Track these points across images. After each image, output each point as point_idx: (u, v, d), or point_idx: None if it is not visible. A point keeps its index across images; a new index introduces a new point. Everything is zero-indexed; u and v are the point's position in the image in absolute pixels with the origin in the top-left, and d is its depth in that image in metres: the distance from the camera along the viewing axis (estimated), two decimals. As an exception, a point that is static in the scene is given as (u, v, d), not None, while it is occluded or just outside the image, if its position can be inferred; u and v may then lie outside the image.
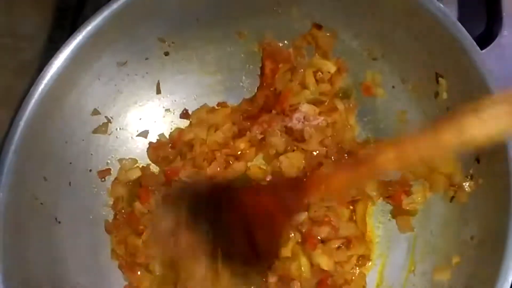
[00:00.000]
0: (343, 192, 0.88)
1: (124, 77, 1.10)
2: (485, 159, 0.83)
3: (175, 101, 1.17)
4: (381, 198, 1.03)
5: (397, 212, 1.00)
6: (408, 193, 0.98)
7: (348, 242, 0.97)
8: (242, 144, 1.07)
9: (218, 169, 1.06)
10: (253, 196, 0.82)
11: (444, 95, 0.91)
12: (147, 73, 1.12)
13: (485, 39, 1.02)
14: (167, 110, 1.17)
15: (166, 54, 1.12)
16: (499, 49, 1.11)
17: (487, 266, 0.77)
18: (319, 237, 0.96)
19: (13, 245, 0.91)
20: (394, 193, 1.00)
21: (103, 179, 1.11)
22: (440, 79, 0.90)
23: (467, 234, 0.85)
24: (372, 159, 0.69)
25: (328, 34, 1.05)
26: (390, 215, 1.02)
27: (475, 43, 0.82)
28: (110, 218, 1.10)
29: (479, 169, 0.85)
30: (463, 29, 0.83)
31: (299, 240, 0.97)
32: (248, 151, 1.07)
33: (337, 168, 0.77)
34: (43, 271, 0.95)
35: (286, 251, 0.95)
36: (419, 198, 0.97)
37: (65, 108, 1.02)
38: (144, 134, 1.16)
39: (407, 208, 0.98)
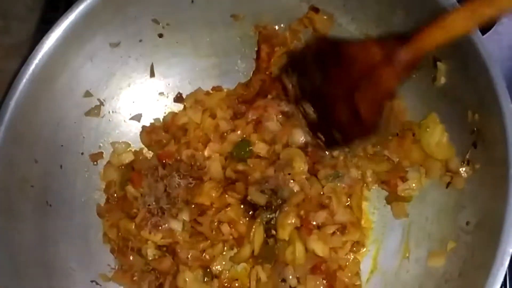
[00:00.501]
0: None
1: (117, 59, 1.08)
2: (482, 144, 0.83)
3: (169, 84, 1.16)
4: (376, 184, 1.02)
5: (392, 198, 1.00)
6: (404, 179, 0.97)
7: (343, 228, 0.96)
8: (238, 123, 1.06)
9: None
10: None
11: (442, 80, 0.90)
12: (140, 55, 1.11)
13: (484, 26, 1.00)
14: (161, 93, 1.16)
15: (160, 36, 1.10)
16: (498, 36, 1.10)
17: (482, 251, 0.77)
18: (315, 223, 0.95)
19: (2, 228, 0.90)
20: (389, 179, 0.99)
21: (95, 163, 1.09)
22: (438, 63, 0.89)
23: (463, 220, 0.85)
24: None
25: (325, 17, 1.04)
26: (385, 201, 1.01)
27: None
28: (102, 201, 1.09)
29: (476, 154, 0.85)
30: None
31: (298, 225, 0.97)
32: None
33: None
34: (33, 255, 0.94)
35: (283, 234, 0.94)
36: (415, 185, 0.96)
37: (56, 90, 1.00)
38: (137, 117, 1.14)
39: (402, 194, 0.98)
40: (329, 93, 0.86)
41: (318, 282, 0.93)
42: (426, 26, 0.74)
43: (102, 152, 1.10)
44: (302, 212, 0.95)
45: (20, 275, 0.90)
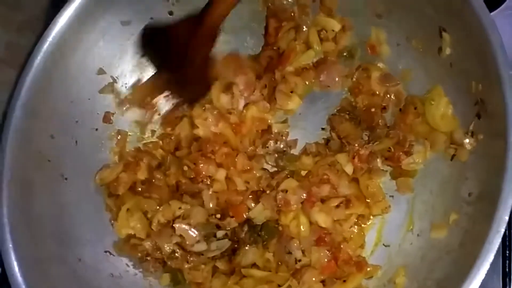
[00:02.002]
0: None
1: (129, 36, 1.11)
2: (485, 115, 0.82)
3: (179, 61, 1.17)
4: (380, 160, 1.01)
5: (397, 174, 0.99)
6: (408, 154, 0.97)
7: (347, 202, 0.97)
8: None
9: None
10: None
11: (448, 51, 0.89)
12: (152, 32, 1.13)
13: (492, 2, 0.98)
14: (172, 71, 1.18)
15: (170, 13, 1.11)
16: (509, 11, 1.07)
17: (482, 221, 0.76)
18: (319, 195, 0.96)
19: (20, 200, 0.94)
20: (393, 154, 0.98)
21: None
22: (443, 33, 0.88)
23: (465, 191, 0.84)
24: None
25: (333, -9, 1.03)
26: (390, 176, 1.01)
27: (480, -2, 0.79)
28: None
29: (480, 125, 0.84)
30: (469, -19, 0.80)
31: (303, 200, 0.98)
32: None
33: None
34: (49, 226, 0.98)
35: (286, 219, 0.97)
36: (419, 159, 0.95)
37: (70, 67, 1.03)
38: (150, 94, 1.17)
39: (407, 168, 0.97)
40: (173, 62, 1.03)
41: (322, 254, 0.94)
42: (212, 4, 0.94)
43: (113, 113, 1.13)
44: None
45: (37, 244, 0.93)
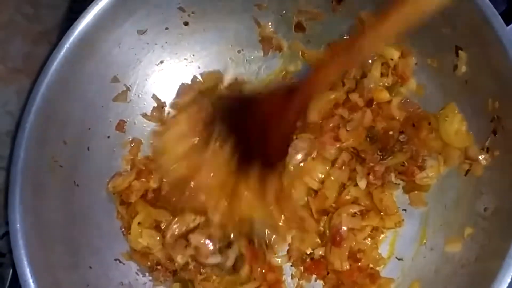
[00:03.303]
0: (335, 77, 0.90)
1: (144, 45, 1.11)
2: (502, 131, 0.83)
3: (192, 73, 1.18)
4: (393, 175, 1.02)
5: (410, 188, 1.00)
6: (421, 168, 0.98)
7: (364, 212, 0.98)
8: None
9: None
10: (262, 103, 0.88)
11: (463, 69, 0.90)
12: (166, 42, 1.14)
13: (507, 17, 1.01)
14: (185, 81, 1.18)
15: (186, 24, 1.12)
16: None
17: (499, 236, 0.78)
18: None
19: (32, 206, 0.94)
20: (406, 168, 0.99)
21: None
22: (460, 52, 0.90)
23: (481, 206, 0.85)
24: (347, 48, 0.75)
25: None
26: (403, 190, 1.02)
27: (498, 15, 0.81)
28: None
29: (496, 141, 0.85)
30: (487, 1, 0.83)
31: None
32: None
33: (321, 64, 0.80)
34: (60, 233, 0.97)
35: None
36: (432, 173, 0.97)
37: (85, 74, 1.04)
38: (162, 104, 1.16)
39: (420, 183, 0.98)
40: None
41: (342, 255, 0.94)
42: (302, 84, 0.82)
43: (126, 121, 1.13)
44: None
45: (48, 250, 0.93)
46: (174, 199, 0.98)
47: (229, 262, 0.99)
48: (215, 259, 1.00)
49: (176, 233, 1.01)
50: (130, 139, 1.13)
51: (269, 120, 0.84)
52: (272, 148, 0.86)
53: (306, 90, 0.81)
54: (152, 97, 1.16)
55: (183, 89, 1.15)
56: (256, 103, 0.87)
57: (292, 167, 1.01)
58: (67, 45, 0.99)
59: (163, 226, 1.03)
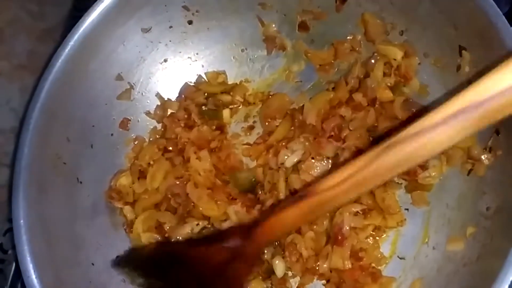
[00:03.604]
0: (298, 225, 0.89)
1: (148, 44, 1.12)
2: (504, 131, 0.83)
3: (196, 71, 1.18)
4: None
5: (412, 187, 1.00)
6: (424, 168, 0.98)
7: (366, 211, 0.98)
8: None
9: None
10: (208, 251, 0.84)
11: (467, 69, 0.90)
12: (170, 41, 1.14)
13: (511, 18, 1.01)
14: (189, 80, 1.18)
15: (190, 22, 1.13)
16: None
17: (501, 235, 0.78)
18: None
19: (35, 202, 0.94)
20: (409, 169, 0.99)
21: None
22: (463, 52, 0.90)
23: (483, 205, 0.85)
24: (317, 194, 0.69)
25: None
26: (405, 189, 1.02)
27: (502, 15, 0.81)
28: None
29: (498, 141, 0.85)
30: (491, 1, 0.83)
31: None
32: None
33: (283, 210, 0.74)
34: (63, 229, 0.97)
35: None
36: (435, 173, 0.96)
37: (89, 72, 1.04)
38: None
39: (423, 182, 0.98)
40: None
41: (343, 254, 0.94)
42: (264, 223, 0.77)
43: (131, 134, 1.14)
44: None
45: (50, 246, 0.93)
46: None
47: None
48: None
49: (180, 238, 1.01)
50: (134, 137, 1.14)
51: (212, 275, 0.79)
52: None
53: (259, 238, 0.76)
54: (155, 95, 1.16)
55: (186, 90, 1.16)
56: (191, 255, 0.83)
57: (289, 166, 1.01)
58: (71, 43, 0.99)
59: (166, 227, 1.03)
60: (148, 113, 1.15)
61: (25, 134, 0.95)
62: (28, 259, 0.88)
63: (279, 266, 0.97)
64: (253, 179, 1.07)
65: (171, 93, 1.17)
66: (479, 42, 0.86)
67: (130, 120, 1.13)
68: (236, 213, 1.02)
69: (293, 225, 0.78)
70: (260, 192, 1.05)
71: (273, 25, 1.14)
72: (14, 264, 1.10)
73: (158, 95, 1.16)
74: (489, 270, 0.75)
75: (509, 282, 0.71)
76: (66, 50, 0.99)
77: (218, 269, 0.81)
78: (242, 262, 0.80)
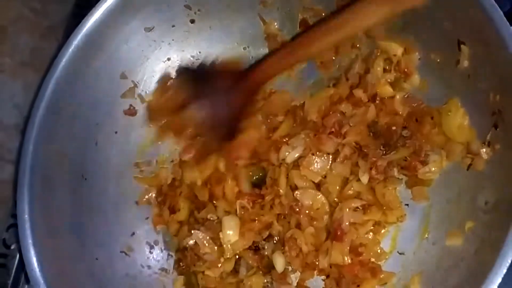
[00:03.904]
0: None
1: (151, 43, 1.13)
2: (503, 125, 0.83)
3: (199, 69, 1.20)
4: (396, 169, 1.02)
5: (413, 183, 1.00)
6: (424, 163, 0.98)
7: (366, 207, 0.98)
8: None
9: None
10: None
11: (465, 63, 0.90)
12: (173, 40, 1.15)
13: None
14: (192, 78, 1.20)
15: (192, 21, 1.14)
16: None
17: (498, 229, 0.77)
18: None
19: (40, 197, 0.95)
20: (409, 163, 0.99)
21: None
22: (462, 46, 0.90)
23: (482, 200, 0.85)
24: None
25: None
26: (405, 184, 1.02)
27: (499, 10, 0.81)
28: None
29: (497, 135, 0.85)
30: (489, -5, 0.83)
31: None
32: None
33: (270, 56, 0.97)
34: (67, 225, 0.99)
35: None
36: (435, 168, 0.96)
37: (93, 70, 1.06)
38: (169, 100, 1.19)
39: (423, 178, 0.98)
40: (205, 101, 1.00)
41: (343, 250, 0.95)
42: (255, 68, 0.97)
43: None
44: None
45: (54, 240, 0.95)
46: None
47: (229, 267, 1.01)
48: (211, 258, 1.01)
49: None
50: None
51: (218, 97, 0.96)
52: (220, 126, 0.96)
53: (257, 75, 0.94)
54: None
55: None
56: (211, 77, 0.99)
57: (290, 162, 1.02)
58: (75, 42, 1.01)
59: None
60: (151, 111, 1.17)
61: (30, 131, 0.97)
62: (32, 253, 0.90)
63: (279, 261, 0.98)
64: (261, 174, 1.07)
65: (175, 92, 1.18)
66: (477, 36, 0.86)
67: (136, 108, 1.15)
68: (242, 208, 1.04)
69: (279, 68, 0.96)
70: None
71: (275, 23, 1.15)
72: (17, 259, 1.12)
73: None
74: (484, 264, 0.75)
75: (503, 274, 0.71)
76: (70, 49, 1.01)
77: (226, 89, 0.98)
78: (238, 97, 0.97)
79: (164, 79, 1.14)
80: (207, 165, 1.08)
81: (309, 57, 1.02)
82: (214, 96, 0.98)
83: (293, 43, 0.94)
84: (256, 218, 1.02)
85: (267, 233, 1.03)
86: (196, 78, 1.02)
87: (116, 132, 1.13)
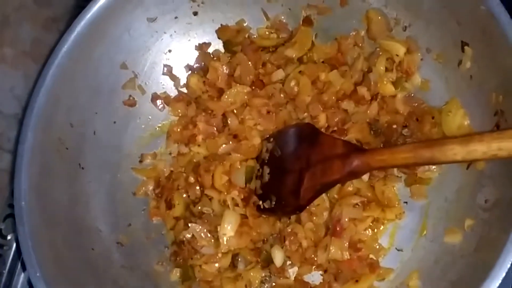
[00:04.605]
0: None
1: (153, 33, 1.13)
2: (505, 125, 0.84)
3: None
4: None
5: (412, 181, 1.01)
6: (425, 162, 0.98)
7: (366, 203, 0.98)
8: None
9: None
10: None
11: (468, 64, 0.92)
12: (175, 31, 1.15)
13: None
14: (193, 71, 1.19)
15: (195, 14, 1.14)
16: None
17: (499, 227, 0.78)
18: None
19: (37, 184, 0.94)
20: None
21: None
22: (466, 47, 0.91)
23: (482, 198, 0.86)
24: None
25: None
26: (404, 183, 1.03)
27: (505, 10, 0.82)
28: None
29: (498, 135, 0.86)
30: (495, -4, 0.84)
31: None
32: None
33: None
34: (63, 213, 0.98)
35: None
36: (434, 167, 0.98)
37: (94, 58, 1.05)
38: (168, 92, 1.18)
39: (422, 176, 0.99)
40: (288, 164, 1.00)
41: (341, 245, 0.95)
42: (379, 150, 0.93)
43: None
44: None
45: (50, 228, 0.93)
46: None
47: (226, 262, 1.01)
48: (208, 251, 1.01)
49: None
50: (136, 125, 1.14)
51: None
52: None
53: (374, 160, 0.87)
54: (158, 85, 1.17)
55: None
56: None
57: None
58: (77, 29, 1.00)
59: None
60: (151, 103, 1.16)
61: (29, 117, 0.96)
62: (29, 240, 0.89)
63: (278, 255, 0.98)
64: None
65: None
66: (481, 37, 0.87)
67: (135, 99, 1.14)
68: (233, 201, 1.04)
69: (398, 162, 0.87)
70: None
71: (278, 19, 1.15)
72: (13, 250, 1.10)
73: (161, 85, 1.17)
74: (485, 261, 0.76)
75: (504, 273, 0.72)
76: (73, 36, 1.00)
77: (325, 159, 0.93)
78: (341, 165, 0.91)
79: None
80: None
81: (430, 163, 0.92)
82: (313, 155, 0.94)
83: (421, 143, 0.85)
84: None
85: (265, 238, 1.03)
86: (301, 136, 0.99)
87: (115, 122, 1.12)
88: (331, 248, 0.95)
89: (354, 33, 1.10)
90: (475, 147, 0.74)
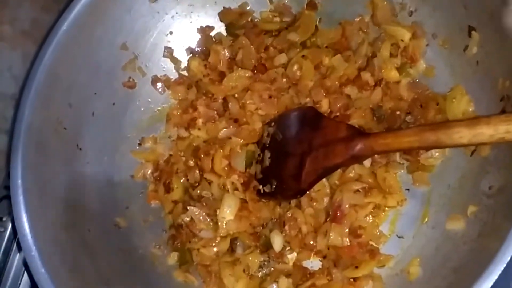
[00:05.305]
0: None
1: (155, 14, 1.11)
2: (510, 109, 0.83)
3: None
4: (398, 154, 1.01)
5: (414, 168, 1.00)
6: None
7: (367, 190, 0.97)
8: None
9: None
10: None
11: (474, 49, 0.90)
12: (176, 13, 1.14)
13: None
14: (194, 54, 1.18)
15: (198, -5, 1.13)
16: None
17: (503, 213, 0.77)
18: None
19: (34, 162, 0.93)
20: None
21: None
22: (473, 32, 0.90)
23: (486, 184, 0.85)
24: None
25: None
26: (406, 170, 1.01)
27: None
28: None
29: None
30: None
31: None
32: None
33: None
34: (60, 193, 0.97)
35: None
36: (438, 153, 0.96)
37: (94, 38, 1.04)
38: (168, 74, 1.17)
39: (425, 163, 0.98)
40: (290, 148, 0.98)
41: (342, 231, 0.94)
42: (383, 133, 0.90)
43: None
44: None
45: (46, 208, 0.92)
46: None
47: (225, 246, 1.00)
48: (207, 235, 1.00)
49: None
50: (136, 106, 1.13)
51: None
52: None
53: (378, 143, 0.86)
54: (159, 68, 1.15)
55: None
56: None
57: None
58: (77, 8, 0.98)
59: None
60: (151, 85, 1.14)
61: (27, 95, 0.94)
62: (24, 219, 0.87)
63: (277, 240, 0.97)
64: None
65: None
66: (489, 22, 0.86)
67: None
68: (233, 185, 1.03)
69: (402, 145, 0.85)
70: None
71: (282, 2, 1.13)
72: (8, 231, 1.09)
73: (161, 67, 1.15)
74: (488, 247, 0.75)
75: (508, 259, 0.71)
76: (72, 14, 0.98)
77: (328, 143, 0.92)
78: (344, 149, 0.90)
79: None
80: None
81: (435, 146, 0.88)
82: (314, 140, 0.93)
83: (426, 126, 0.83)
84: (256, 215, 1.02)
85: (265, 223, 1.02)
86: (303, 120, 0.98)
87: (114, 104, 1.11)
88: (331, 234, 0.94)
89: (358, 19, 1.08)
90: (481, 130, 0.72)
